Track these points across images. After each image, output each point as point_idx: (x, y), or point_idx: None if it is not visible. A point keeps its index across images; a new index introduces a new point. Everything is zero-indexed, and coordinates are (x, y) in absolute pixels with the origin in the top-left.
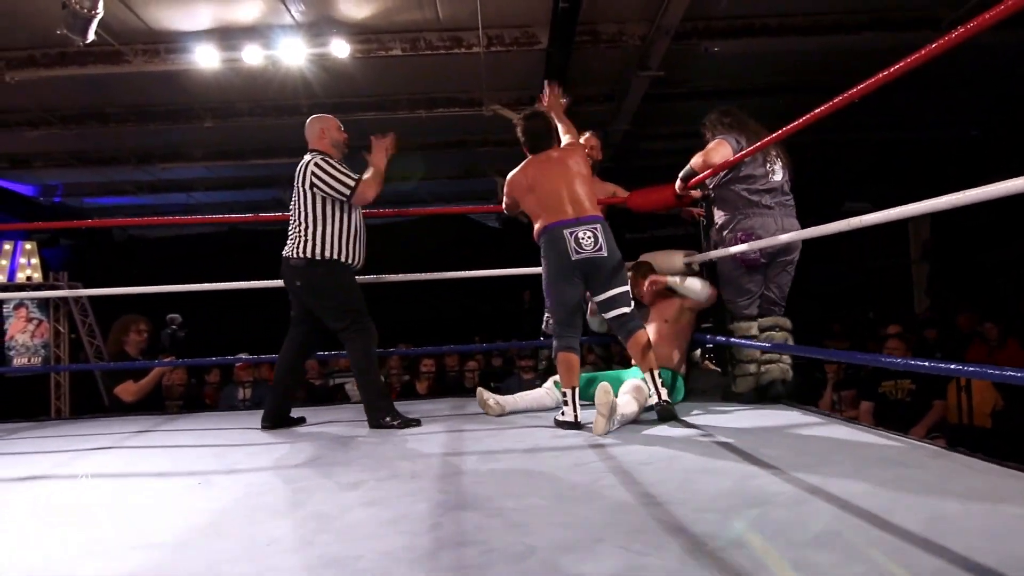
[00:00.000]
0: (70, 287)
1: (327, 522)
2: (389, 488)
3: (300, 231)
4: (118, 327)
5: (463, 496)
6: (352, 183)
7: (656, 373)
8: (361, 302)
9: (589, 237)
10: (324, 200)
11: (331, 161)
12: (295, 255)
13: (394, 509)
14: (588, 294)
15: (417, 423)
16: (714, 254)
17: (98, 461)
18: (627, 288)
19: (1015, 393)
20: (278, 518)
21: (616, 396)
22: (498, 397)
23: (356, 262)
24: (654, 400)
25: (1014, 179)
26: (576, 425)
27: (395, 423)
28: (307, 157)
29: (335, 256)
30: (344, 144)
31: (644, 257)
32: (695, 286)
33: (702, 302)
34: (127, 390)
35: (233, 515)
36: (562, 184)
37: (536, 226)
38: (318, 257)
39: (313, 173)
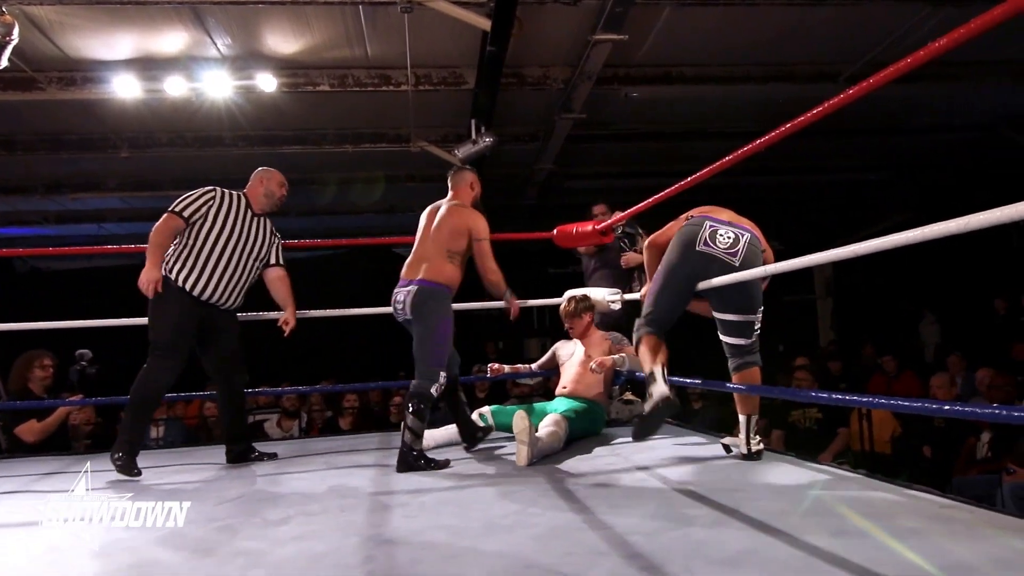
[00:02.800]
0: None
1: (257, 558)
2: (319, 523)
3: None
4: (21, 363)
5: (395, 529)
6: (170, 208)
7: (751, 418)
8: (167, 335)
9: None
10: (190, 225)
11: (200, 192)
12: None
13: (325, 543)
14: None
15: (139, 472)
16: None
17: (5, 507)
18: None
19: (912, 421)
20: (205, 556)
21: (536, 426)
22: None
23: (195, 290)
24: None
25: (905, 232)
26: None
27: (118, 463)
28: None
29: (169, 275)
30: (279, 200)
31: (580, 292)
32: (635, 364)
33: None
34: (30, 429)
35: (157, 554)
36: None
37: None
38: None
39: None
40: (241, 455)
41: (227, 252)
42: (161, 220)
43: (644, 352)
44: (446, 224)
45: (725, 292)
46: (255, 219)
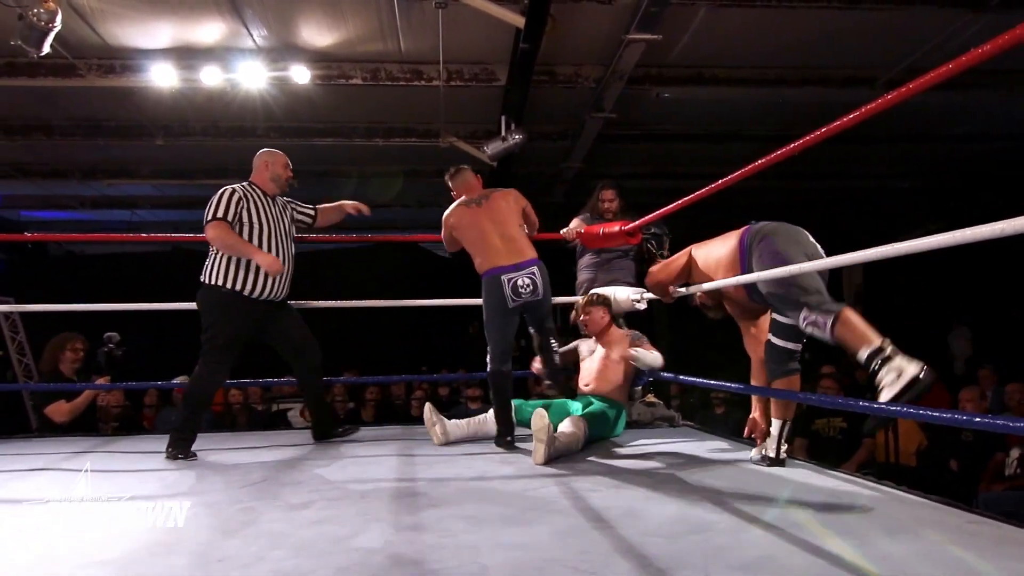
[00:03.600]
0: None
1: (279, 539)
2: (340, 508)
3: (207, 257)
4: (53, 345)
5: (415, 517)
6: (210, 217)
7: (784, 424)
8: (222, 339)
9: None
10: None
11: (227, 194)
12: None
13: (346, 528)
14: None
15: (194, 456)
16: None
17: (33, 483)
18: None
19: (939, 433)
20: (229, 536)
21: (555, 424)
22: (445, 424)
23: (250, 291)
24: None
25: (936, 236)
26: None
27: (174, 453)
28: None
29: (216, 282)
30: (286, 181)
31: (599, 290)
32: (651, 361)
33: (655, 368)
34: (59, 410)
35: (181, 534)
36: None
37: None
38: (207, 282)
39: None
40: (326, 432)
41: (270, 247)
42: (217, 229)
43: (858, 324)
44: (508, 207)
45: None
46: (273, 203)
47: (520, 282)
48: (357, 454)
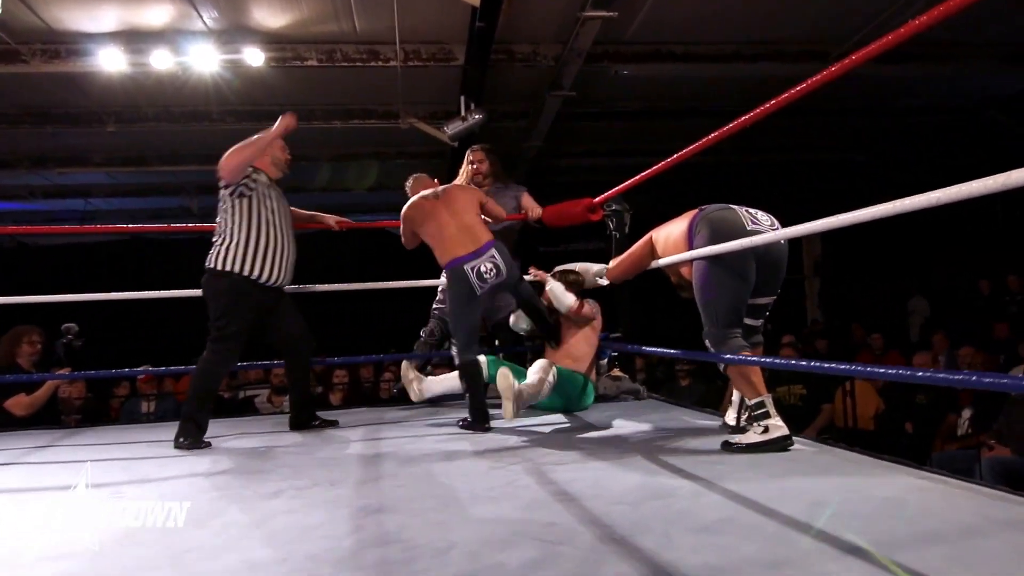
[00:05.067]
0: None
1: (248, 529)
2: (309, 496)
3: (214, 243)
4: (9, 338)
5: (384, 500)
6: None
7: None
8: (235, 325)
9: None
10: (232, 210)
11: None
12: (206, 266)
13: (315, 515)
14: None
15: (208, 445)
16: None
17: None
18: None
19: (894, 397)
20: (197, 527)
21: (521, 379)
22: (423, 380)
23: (259, 277)
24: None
25: (897, 200)
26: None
27: (185, 443)
28: None
29: (227, 268)
30: (285, 164)
31: (568, 266)
32: (560, 296)
33: (562, 311)
34: (19, 403)
35: (149, 525)
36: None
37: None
38: (215, 267)
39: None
40: (303, 422)
41: (278, 231)
42: (230, 154)
43: (745, 373)
44: (466, 197)
45: (777, 272)
46: (275, 186)
47: (483, 268)
48: (326, 440)
